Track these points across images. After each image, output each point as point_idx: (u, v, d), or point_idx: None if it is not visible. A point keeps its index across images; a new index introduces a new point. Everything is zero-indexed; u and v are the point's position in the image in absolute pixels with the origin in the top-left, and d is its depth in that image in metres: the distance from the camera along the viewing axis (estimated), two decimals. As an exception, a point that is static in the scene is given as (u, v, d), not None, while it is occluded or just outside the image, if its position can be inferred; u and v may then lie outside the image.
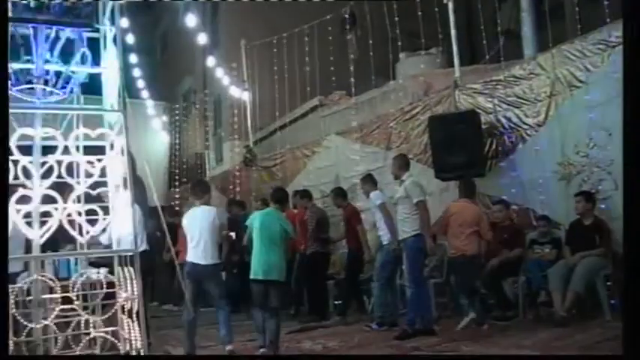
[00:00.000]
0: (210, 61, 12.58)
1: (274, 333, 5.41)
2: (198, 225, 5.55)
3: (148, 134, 15.06)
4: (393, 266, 6.74)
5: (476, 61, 9.38)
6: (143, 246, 5.99)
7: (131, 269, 4.65)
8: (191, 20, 10.89)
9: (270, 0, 13.87)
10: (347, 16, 11.19)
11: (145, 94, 14.22)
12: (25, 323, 4.51)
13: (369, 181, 7.32)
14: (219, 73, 12.60)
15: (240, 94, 12.76)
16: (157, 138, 16.36)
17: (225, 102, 15.01)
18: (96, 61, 5.32)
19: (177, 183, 15.71)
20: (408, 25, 9.59)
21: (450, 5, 7.92)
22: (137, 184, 5.91)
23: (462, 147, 7.13)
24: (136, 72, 12.87)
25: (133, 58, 12.02)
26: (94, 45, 5.29)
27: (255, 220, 5.71)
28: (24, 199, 4.67)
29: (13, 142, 4.68)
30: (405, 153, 8.39)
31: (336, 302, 8.43)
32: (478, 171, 7.33)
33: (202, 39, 11.43)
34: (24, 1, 4.79)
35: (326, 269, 8.28)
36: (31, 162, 4.77)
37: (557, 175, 6.80)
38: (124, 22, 9.16)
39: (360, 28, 11.78)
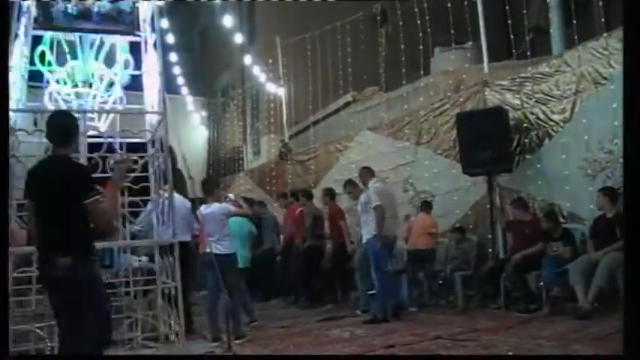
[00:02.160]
0: (247, 58, 12.95)
1: (248, 304, 6.89)
2: (212, 220, 6.13)
3: (187, 129, 15.52)
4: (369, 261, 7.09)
5: (510, 56, 9.46)
6: (187, 236, 6.39)
7: (171, 258, 5.01)
8: (228, 19, 11.26)
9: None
10: (378, 13, 11.39)
11: (184, 90, 14.70)
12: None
13: (351, 183, 7.94)
14: (256, 69, 12.95)
15: (276, 89, 13.10)
16: (197, 132, 16.85)
17: (262, 97, 15.36)
18: (137, 63, 5.71)
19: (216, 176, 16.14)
20: (440, 20, 9.74)
21: (479, 2, 8.06)
22: (177, 178, 6.30)
23: (490, 143, 7.26)
24: (176, 69, 13.34)
25: (173, 56, 12.44)
26: (135, 47, 5.68)
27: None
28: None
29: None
30: (435, 148, 8.72)
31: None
32: (505, 166, 7.49)
33: (239, 38, 11.80)
34: (69, 10, 5.13)
35: (319, 261, 8.92)
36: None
37: (582, 171, 6.89)
38: (164, 23, 9.56)
39: (391, 24, 11.94)
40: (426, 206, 8.30)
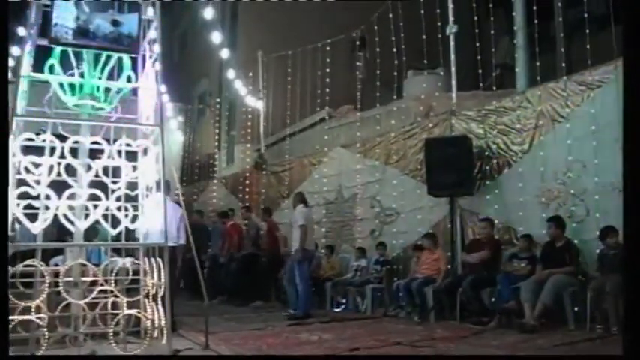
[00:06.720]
0: (228, 68, 13.32)
1: None
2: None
3: (165, 134, 15.70)
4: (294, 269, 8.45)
5: (477, 87, 10.11)
6: (181, 240, 6.90)
7: (159, 259, 5.43)
8: (210, 27, 11.64)
9: (288, 11, 14.67)
10: (358, 38, 12.00)
11: (164, 96, 14.97)
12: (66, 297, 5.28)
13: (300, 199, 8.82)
14: (237, 82, 13.35)
15: (254, 102, 13.52)
16: (172, 137, 17.09)
17: (239, 106, 15.71)
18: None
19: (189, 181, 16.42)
20: (415, 51, 10.37)
21: (452, 38, 8.69)
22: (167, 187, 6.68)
23: (454, 168, 7.91)
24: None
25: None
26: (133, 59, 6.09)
27: None
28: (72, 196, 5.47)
29: (67, 147, 5.47)
30: (402, 169, 9.31)
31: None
32: (467, 190, 8.12)
33: (220, 47, 12.17)
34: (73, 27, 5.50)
35: (256, 266, 10.41)
36: (78, 163, 5.56)
37: (537, 199, 7.54)
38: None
39: (369, 50, 12.55)
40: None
